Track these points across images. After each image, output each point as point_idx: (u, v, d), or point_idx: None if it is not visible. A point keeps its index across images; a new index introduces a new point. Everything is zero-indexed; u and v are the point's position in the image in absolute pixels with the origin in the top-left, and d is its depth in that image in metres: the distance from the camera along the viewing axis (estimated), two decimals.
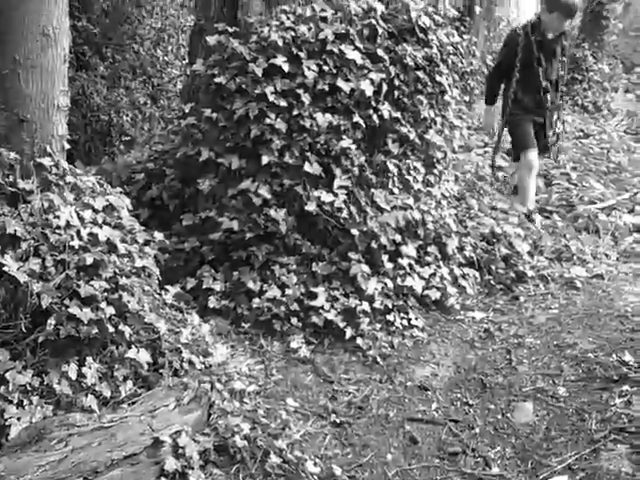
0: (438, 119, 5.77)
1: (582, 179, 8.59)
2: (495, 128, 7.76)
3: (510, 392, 4.34)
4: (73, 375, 3.52)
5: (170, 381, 3.81)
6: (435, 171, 5.86)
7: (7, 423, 3.24)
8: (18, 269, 3.51)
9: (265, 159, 4.92)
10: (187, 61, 7.20)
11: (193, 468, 3.35)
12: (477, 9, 11.97)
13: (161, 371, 3.90)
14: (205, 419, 3.68)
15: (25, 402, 3.36)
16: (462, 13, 11.47)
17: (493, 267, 5.80)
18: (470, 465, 3.70)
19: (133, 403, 3.60)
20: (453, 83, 6.02)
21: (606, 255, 6.44)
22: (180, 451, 3.37)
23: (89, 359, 3.60)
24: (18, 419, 3.27)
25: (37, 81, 3.99)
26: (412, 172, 5.50)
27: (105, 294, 3.73)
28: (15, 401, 3.35)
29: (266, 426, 3.77)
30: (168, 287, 4.41)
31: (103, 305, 3.69)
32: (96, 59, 7.33)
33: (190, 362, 4.05)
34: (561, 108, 7.47)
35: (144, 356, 3.79)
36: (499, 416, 4.11)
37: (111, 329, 3.72)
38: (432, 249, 5.41)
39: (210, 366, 4.11)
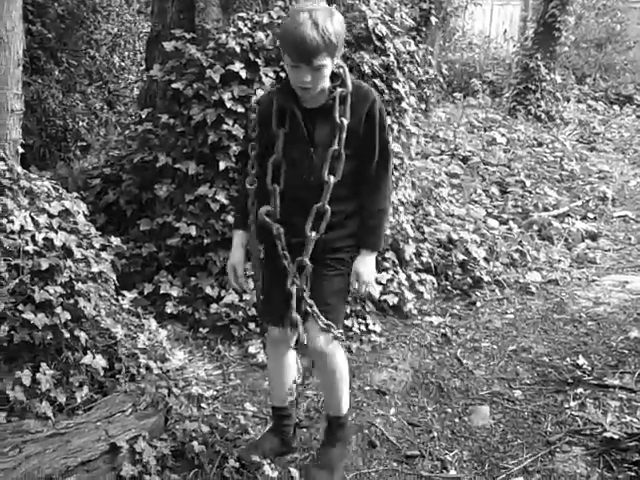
0: (395, 126, 5.80)
1: (536, 186, 8.71)
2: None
3: (467, 396, 4.38)
4: (27, 381, 3.45)
5: (127, 387, 3.77)
6: (392, 177, 5.88)
7: None
8: None
9: (222, 165, 4.91)
10: (144, 67, 7.15)
11: (150, 474, 3.31)
12: (433, 19, 12.06)
13: (117, 377, 3.85)
14: (162, 424, 3.64)
15: None
16: (418, 23, 11.57)
17: (450, 273, 5.86)
18: (428, 468, 3.71)
19: (89, 409, 3.55)
20: (410, 91, 6.06)
21: (560, 261, 6.54)
22: (137, 457, 3.33)
23: (44, 365, 3.53)
24: None
25: None
26: None
27: (60, 299, 3.67)
28: None
29: (224, 431, 3.75)
30: (125, 292, 4.36)
31: (58, 310, 3.63)
32: (51, 64, 7.24)
33: (147, 367, 4.01)
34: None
35: (100, 362, 3.74)
36: (456, 419, 4.14)
37: (66, 335, 3.67)
38: (390, 255, 5.44)
39: (167, 371, 4.07)
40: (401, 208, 5.82)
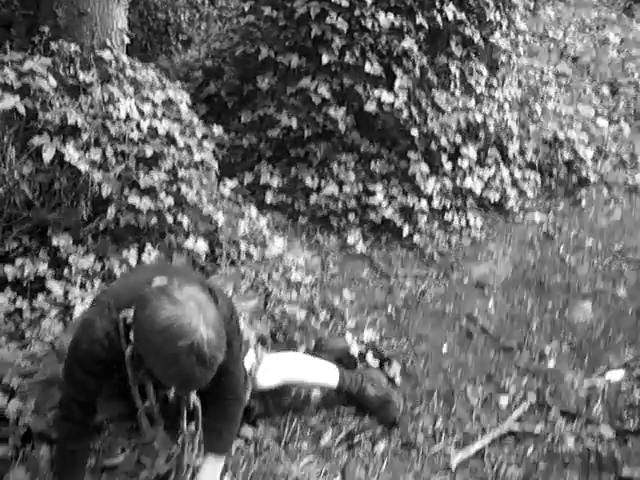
0: (504, 22, 5.58)
1: None
2: None
3: (568, 292, 4.31)
4: (133, 261, 3.57)
5: (227, 270, 3.86)
6: (498, 74, 5.70)
7: (71, 304, 3.32)
8: (79, 159, 3.54)
9: (325, 58, 4.85)
10: None
11: None
12: None
13: (218, 261, 3.94)
14: (262, 307, 3.72)
15: (87, 284, 3.43)
16: None
17: (555, 171, 5.68)
18: (525, 359, 3.70)
19: None
20: None
21: None
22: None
23: (148, 246, 3.64)
24: (82, 300, 3.34)
25: None
26: (475, 75, 5.36)
27: (164, 185, 3.75)
28: (78, 283, 3.42)
29: (320, 315, 3.81)
30: (226, 181, 4.41)
31: (162, 196, 3.72)
32: None
33: (247, 253, 4.09)
34: None
35: (202, 246, 3.83)
36: (556, 314, 4.09)
37: (170, 219, 3.76)
38: (493, 151, 5.31)
39: (267, 258, 4.14)
40: (506, 105, 5.64)
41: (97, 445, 2.89)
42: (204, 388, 2.31)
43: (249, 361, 2.98)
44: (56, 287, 3.41)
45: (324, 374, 3.24)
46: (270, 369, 3.07)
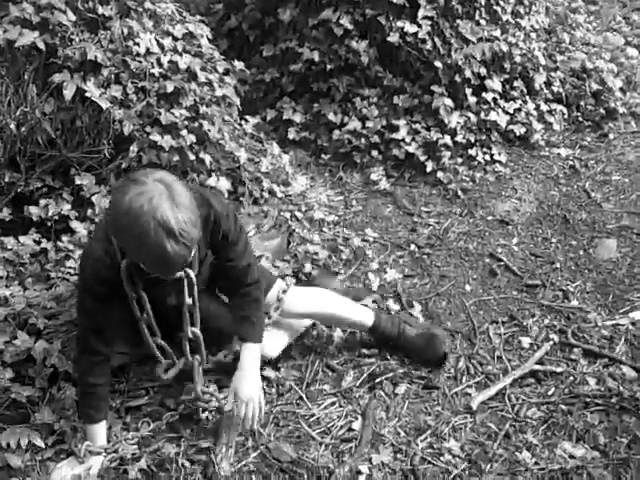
0: None
1: None
2: None
3: (593, 229, 4.27)
4: None
5: (250, 209, 3.86)
6: (525, 1, 5.55)
7: None
8: (100, 95, 3.51)
9: None
10: None
11: None
12: None
13: (241, 199, 3.94)
14: (285, 246, 3.73)
15: None
16: None
17: (582, 103, 5.57)
18: (549, 298, 3.69)
19: None
20: None
21: None
22: None
23: None
24: None
25: None
26: (500, 2, 5.22)
27: (185, 122, 3.73)
28: None
29: (343, 254, 3.82)
30: (248, 117, 4.38)
31: (184, 133, 3.69)
32: None
33: (270, 191, 4.08)
34: None
35: (224, 184, 3.82)
36: (581, 252, 4.06)
37: (192, 157, 3.75)
38: (518, 83, 5.21)
39: (290, 196, 4.13)
40: (533, 35, 5.51)
41: (121, 386, 2.96)
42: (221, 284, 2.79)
43: (277, 286, 3.03)
44: (80, 227, 3.44)
45: (358, 310, 3.21)
46: (301, 296, 3.09)
